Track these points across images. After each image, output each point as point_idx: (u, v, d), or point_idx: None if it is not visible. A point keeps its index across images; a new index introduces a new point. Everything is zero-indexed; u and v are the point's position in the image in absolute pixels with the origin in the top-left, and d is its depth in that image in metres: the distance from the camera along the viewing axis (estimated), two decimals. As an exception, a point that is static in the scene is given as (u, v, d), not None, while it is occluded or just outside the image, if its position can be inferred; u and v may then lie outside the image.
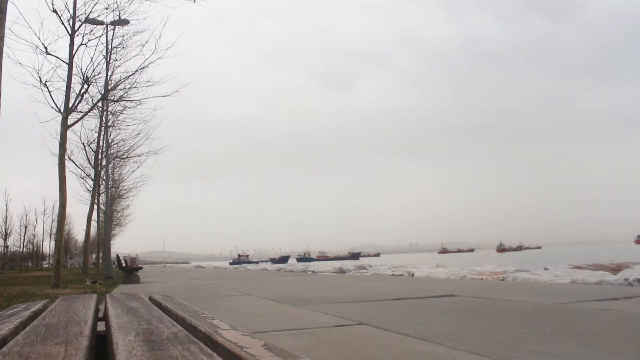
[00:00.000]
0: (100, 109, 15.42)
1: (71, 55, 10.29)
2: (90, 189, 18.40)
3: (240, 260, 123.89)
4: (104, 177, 18.01)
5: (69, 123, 10.30)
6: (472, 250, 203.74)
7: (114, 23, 12.21)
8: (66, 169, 10.43)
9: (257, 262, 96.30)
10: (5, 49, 5.75)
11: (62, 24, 10.03)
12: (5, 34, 5.74)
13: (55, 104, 10.22)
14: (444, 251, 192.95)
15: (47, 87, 10.02)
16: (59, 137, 10.25)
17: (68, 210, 14.52)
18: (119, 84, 12.26)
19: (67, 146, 10.75)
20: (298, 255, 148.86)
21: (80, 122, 12.54)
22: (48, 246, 50.34)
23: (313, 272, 15.45)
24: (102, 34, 12.15)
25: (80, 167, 17.98)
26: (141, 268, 14.05)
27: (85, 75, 10.67)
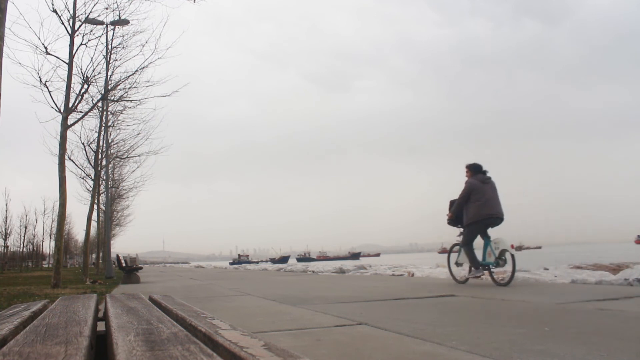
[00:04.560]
0: (100, 109, 15.42)
1: (71, 55, 10.29)
2: (90, 189, 18.39)
3: (240, 260, 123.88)
4: (104, 177, 18.00)
5: (69, 123, 10.30)
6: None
7: (114, 23, 12.21)
8: (66, 169, 10.43)
9: (257, 262, 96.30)
10: (5, 49, 5.75)
11: (62, 24, 10.03)
12: (5, 34, 5.74)
13: (55, 104, 10.23)
14: (443, 251, 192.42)
15: (47, 87, 10.03)
16: (59, 137, 10.26)
17: (68, 210, 14.54)
18: (119, 84, 12.27)
19: (67, 146, 10.75)
20: (298, 255, 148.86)
21: (80, 122, 12.55)
22: (48, 246, 50.44)
23: (313, 272, 15.45)
24: (102, 34, 12.16)
25: (80, 167, 17.98)
26: (141, 268, 14.06)
27: (85, 75, 10.67)
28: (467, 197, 6.68)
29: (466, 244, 6.74)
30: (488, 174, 6.87)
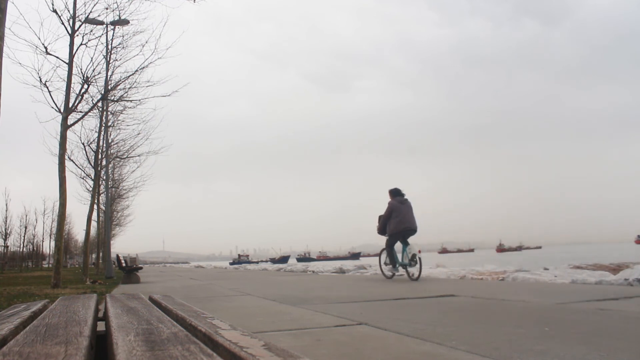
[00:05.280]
0: (100, 109, 15.43)
1: (71, 55, 10.29)
2: (90, 189, 18.40)
3: (240, 260, 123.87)
4: (104, 177, 18.00)
5: (69, 123, 10.30)
6: (472, 250, 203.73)
7: (114, 23, 12.22)
8: (66, 169, 10.43)
9: (257, 262, 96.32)
10: (5, 49, 5.75)
11: (62, 24, 10.03)
12: (5, 34, 5.74)
13: (55, 104, 10.23)
14: (443, 251, 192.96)
15: (47, 87, 10.03)
16: (59, 137, 10.26)
17: (68, 210, 14.55)
18: (119, 84, 12.27)
19: (67, 146, 10.75)
20: (298, 255, 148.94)
21: (80, 122, 12.56)
22: (48, 246, 50.46)
23: (313, 272, 15.45)
24: (102, 34, 12.16)
25: (80, 167, 17.99)
26: (141, 268, 14.06)
27: (85, 75, 10.67)
28: (389, 215, 8.82)
29: (388, 247, 8.94)
30: (405, 197, 8.94)
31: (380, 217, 9.00)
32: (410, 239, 8.76)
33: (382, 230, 9.03)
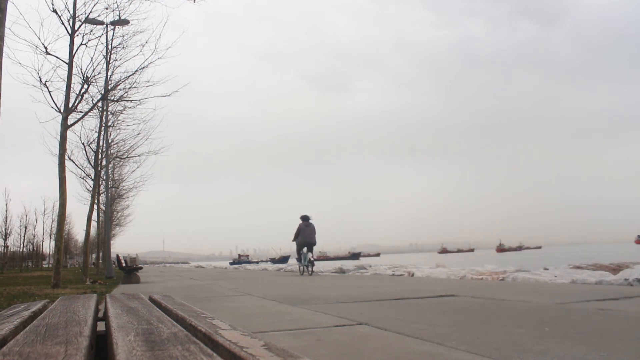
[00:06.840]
0: (100, 109, 15.42)
1: (71, 55, 10.29)
2: (90, 189, 18.39)
3: (240, 260, 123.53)
4: (104, 177, 17.99)
5: (69, 123, 10.30)
6: (472, 250, 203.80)
7: (114, 23, 12.21)
8: (66, 169, 10.43)
9: (257, 262, 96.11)
10: (5, 49, 5.75)
11: (62, 24, 10.03)
12: (5, 34, 5.74)
13: (55, 104, 10.22)
14: (443, 251, 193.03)
15: (47, 87, 10.02)
16: (59, 137, 10.26)
17: (68, 210, 14.55)
18: (119, 84, 12.26)
19: (67, 146, 10.74)
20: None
21: (80, 122, 12.55)
22: (48, 246, 50.40)
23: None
24: (102, 34, 12.16)
25: (80, 167, 17.96)
26: (141, 268, 14.06)
27: (85, 75, 10.67)
28: (297, 234, 13.49)
29: (297, 254, 13.51)
30: (310, 220, 13.52)
31: (295, 233, 13.55)
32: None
33: (295, 240, 13.52)
